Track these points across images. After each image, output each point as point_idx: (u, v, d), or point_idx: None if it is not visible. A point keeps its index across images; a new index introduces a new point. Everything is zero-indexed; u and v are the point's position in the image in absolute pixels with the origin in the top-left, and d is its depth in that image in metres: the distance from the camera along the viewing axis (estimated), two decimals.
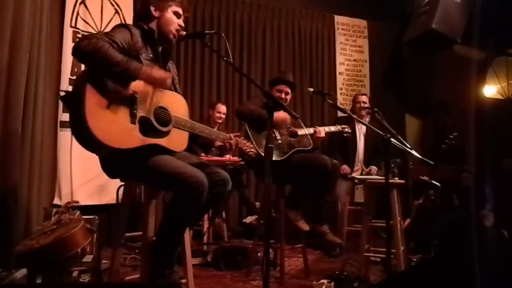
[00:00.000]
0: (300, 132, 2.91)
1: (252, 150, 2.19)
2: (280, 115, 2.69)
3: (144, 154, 1.78)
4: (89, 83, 1.64)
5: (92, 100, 1.63)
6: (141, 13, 2.02)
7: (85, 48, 1.64)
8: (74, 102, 1.63)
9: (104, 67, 1.66)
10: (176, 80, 2.15)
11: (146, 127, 1.79)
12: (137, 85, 1.78)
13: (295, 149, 2.82)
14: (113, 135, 1.67)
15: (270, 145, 1.75)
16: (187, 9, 2.10)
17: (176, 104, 1.95)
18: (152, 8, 1.97)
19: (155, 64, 1.93)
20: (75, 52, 1.66)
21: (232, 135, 2.13)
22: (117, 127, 1.69)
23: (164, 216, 1.91)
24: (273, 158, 2.57)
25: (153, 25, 1.98)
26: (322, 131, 2.95)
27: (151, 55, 1.93)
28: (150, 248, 1.87)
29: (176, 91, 2.06)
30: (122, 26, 1.90)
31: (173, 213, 1.84)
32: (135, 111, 1.75)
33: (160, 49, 2.03)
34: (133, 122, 1.75)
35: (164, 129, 1.85)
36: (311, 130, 2.94)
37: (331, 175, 2.81)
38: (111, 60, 1.65)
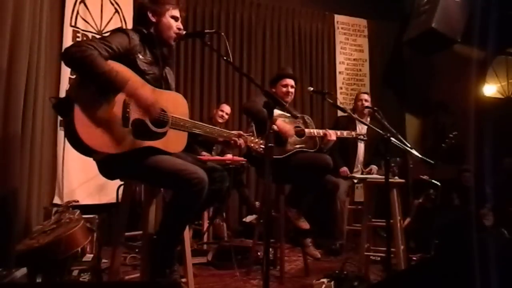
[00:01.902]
0: (308, 132, 2.82)
1: (261, 146, 2.14)
2: (284, 126, 2.65)
3: (141, 155, 1.78)
4: (80, 89, 1.67)
5: (82, 107, 1.64)
6: (139, 18, 2.00)
7: (74, 55, 1.65)
8: (66, 109, 1.65)
9: (89, 76, 1.67)
10: (172, 86, 2.13)
11: (141, 129, 1.78)
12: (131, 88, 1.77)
13: (297, 150, 2.76)
14: (103, 140, 1.67)
15: (270, 145, 1.74)
16: (184, 9, 2.09)
17: (175, 104, 1.94)
18: (149, 14, 1.95)
19: (154, 67, 1.93)
20: (64, 57, 1.68)
21: (239, 132, 2.10)
22: (108, 132, 1.69)
23: (165, 214, 1.91)
24: (274, 156, 2.54)
25: (152, 29, 1.97)
26: (333, 134, 2.82)
27: (150, 59, 1.92)
28: (150, 246, 1.88)
29: None
30: (120, 30, 1.90)
31: (174, 211, 1.85)
32: (127, 114, 1.75)
33: (160, 52, 2.02)
34: (125, 126, 1.74)
35: (160, 130, 1.84)
36: (321, 133, 2.84)
37: (330, 193, 2.81)
38: (97, 69, 1.65)
